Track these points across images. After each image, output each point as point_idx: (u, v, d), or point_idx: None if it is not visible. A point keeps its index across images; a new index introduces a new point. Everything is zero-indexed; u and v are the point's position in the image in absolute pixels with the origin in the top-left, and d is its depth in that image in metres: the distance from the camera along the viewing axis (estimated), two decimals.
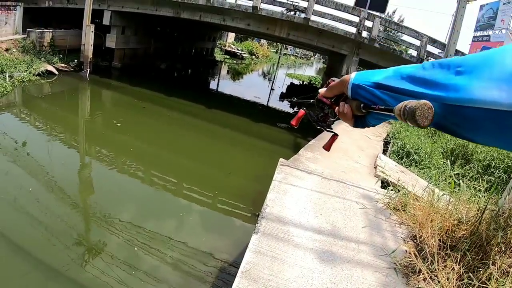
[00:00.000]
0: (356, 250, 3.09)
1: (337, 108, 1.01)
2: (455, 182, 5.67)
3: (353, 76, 0.92)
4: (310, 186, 4.15)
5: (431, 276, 2.99)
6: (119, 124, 10.47)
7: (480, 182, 5.09)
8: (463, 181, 5.05)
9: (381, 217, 3.85)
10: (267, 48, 56.93)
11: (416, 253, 3.11)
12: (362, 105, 0.90)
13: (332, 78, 1.07)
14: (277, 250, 2.79)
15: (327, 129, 1.16)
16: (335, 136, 1.19)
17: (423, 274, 2.98)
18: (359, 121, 0.98)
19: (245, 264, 2.58)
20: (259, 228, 3.00)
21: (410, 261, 3.13)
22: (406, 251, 3.23)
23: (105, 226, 5.52)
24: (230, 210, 7.08)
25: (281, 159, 4.58)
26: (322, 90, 1.07)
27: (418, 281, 2.95)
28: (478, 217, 3.39)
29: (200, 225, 6.46)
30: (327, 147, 1.20)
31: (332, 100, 1.05)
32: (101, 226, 5.55)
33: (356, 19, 14.51)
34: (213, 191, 7.66)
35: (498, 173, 7.08)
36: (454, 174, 6.72)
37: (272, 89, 25.60)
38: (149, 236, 5.45)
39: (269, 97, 22.48)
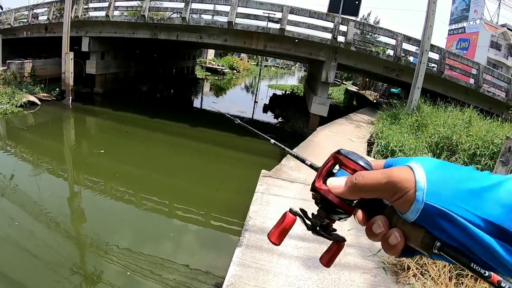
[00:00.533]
0: (343, 253, 3.06)
1: (361, 217, 0.64)
2: None
3: (424, 182, 0.51)
4: (293, 194, 4.14)
5: (421, 272, 2.98)
6: (102, 151, 10.40)
7: None
8: None
9: None
10: (248, 62, 57.33)
11: None
12: (438, 243, 0.51)
13: (348, 155, 0.64)
14: (262, 261, 2.77)
15: (330, 238, 0.73)
16: (341, 244, 0.73)
17: (412, 270, 2.97)
18: (408, 252, 0.57)
19: (230, 277, 2.56)
20: (242, 240, 2.99)
21: (400, 259, 3.11)
22: None
23: (99, 253, 5.44)
24: (221, 226, 7.03)
25: (263, 171, 4.58)
26: (334, 184, 0.62)
27: (408, 278, 2.93)
28: None
29: (193, 244, 6.40)
30: (326, 262, 0.74)
31: (353, 204, 0.63)
32: (95, 253, 5.46)
33: (330, 25, 14.67)
34: (203, 209, 7.61)
35: (484, 161, 7.11)
36: None
37: (255, 101, 25.68)
38: (142, 259, 5.38)
39: (253, 110, 22.54)
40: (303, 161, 0.83)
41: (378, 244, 3.31)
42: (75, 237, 6.05)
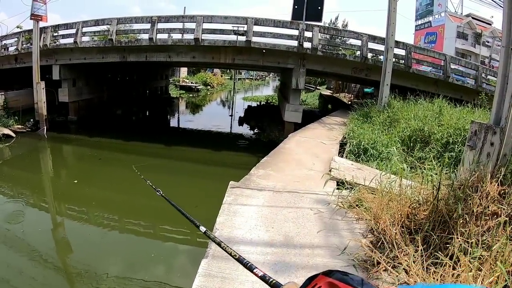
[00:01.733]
0: (311, 255, 3.04)
1: None
2: (412, 166, 5.73)
3: None
4: (262, 202, 4.11)
5: (393, 265, 2.95)
6: (75, 181, 10.22)
7: (442, 161, 5.13)
8: (424, 164, 5.06)
9: (337, 218, 3.83)
10: (221, 76, 57.47)
11: (370, 245, 3.07)
12: None
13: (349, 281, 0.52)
14: (227, 270, 2.73)
15: None
16: None
17: (382, 265, 2.94)
18: None
19: None
20: (208, 252, 2.95)
21: (369, 255, 3.08)
22: (364, 245, 3.19)
23: (90, 283, 5.32)
24: (202, 242, 6.93)
25: (231, 182, 4.54)
26: None
27: (380, 273, 2.90)
28: (435, 195, 3.38)
29: (181, 263, 6.34)
30: None
31: None
32: (85, 284, 5.35)
33: (295, 32, 14.81)
34: (183, 226, 7.50)
35: (458, 148, 7.17)
36: (415, 158, 6.80)
37: (230, 115, 25.78)
38: (132, 284, 5.27)
39: (231, 124, 22.62)
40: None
41: (349, 242, 3.28)
42: (63, 269, 5.94)
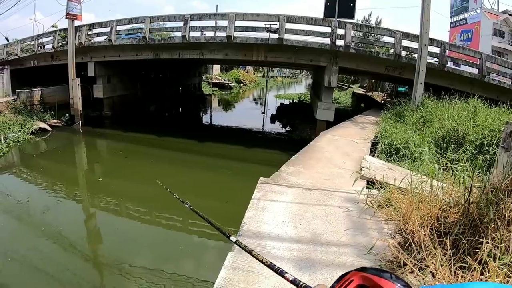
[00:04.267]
0: (337, 253, 3.07)
1: None
2: (445, 168, 5.63)
3: None
4: (290, 199, 4.15)
5: (420, 267, 2.93)
6: (100, 179, 10.58)
7: (474, 163, 5.02)
8: (456, 165, 4.97)
9: (366, 217, 3.82)
10: (254, 74, 57.54)
11: (398, 246, 3.06)
12: None
13: (384, 275, 0.58)
14: (253, 264, 2.79)
15: None
16: None
17: (409, 266, 2.93)
18: None
19: (220, 280, 2.60)
20: (235, 246, 3.01)
21: (396, 256, 3.07)
22: (391, 245, 3.19)
23: (120, 273, 5.50)
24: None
25: (261, 178, 4.60)
26: None
27: (406, 275, 2.90)
28: (466, 198, 3.33)
29: (205, 255, 6.46)
30: None
31: None
32: (113, 272, 5.56)
33: (328, 29, 14.68)
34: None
35: (493, 150, 6.97)
36: (448, 160, 6.67)
37: (262, 113, 25.93)
38: (161, 276, 5.42)
39: (263, 121, 22.71)
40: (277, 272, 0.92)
41: (377, 242, 3.28)
42: (94, 260, 6.14)
